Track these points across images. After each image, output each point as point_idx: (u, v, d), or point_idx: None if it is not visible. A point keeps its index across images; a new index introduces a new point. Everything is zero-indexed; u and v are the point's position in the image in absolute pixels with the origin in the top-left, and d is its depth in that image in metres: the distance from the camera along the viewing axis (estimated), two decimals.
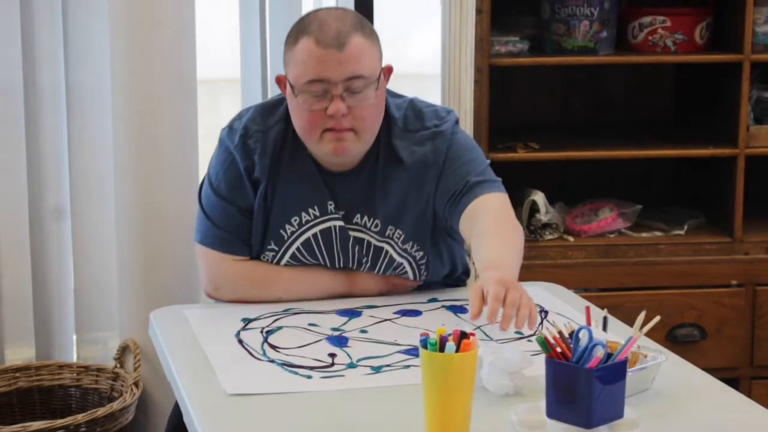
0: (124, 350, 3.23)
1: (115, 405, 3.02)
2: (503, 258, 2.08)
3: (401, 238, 2.32)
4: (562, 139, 3.44)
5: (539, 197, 3.32)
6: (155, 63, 3.10)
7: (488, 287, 1.92)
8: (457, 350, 1.62)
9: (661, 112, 3.73)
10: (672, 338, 3.27)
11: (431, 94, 3.50)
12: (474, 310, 1.91)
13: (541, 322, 2.18)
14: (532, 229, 3.33)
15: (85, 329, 3.32)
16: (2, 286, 3.19)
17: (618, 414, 1.66)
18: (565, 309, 2.28)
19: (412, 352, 2.03)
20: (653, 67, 3.65)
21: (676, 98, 3.71)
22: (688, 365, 1.99)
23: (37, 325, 3.24)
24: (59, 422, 2.91)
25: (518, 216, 3.25)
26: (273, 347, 2.06)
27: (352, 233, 2.32)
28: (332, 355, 2.02)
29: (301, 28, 2.21)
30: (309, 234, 2.32)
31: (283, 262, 2.35)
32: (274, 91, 3.25)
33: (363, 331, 2.16)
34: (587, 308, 1.93)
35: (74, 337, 3.33)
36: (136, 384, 3.14)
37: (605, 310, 1.99)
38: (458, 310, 2.28)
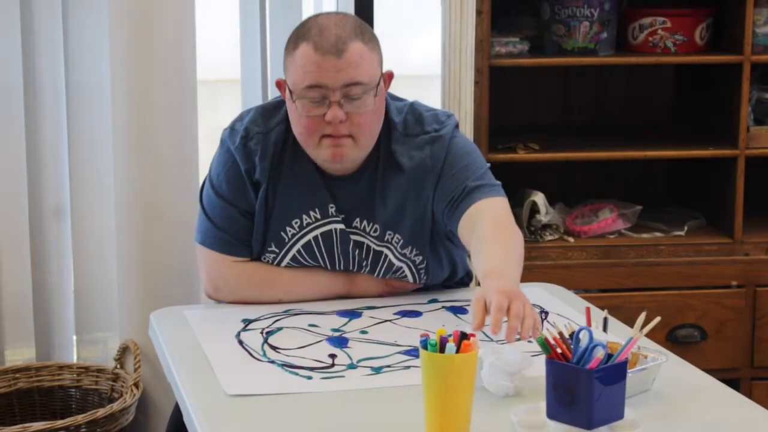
0: (124, 351, 3.23)
1: (115, 406, 3.02)
2: (504, 266, 2.07)
3: (400, 243, 2.32)
4: (562, 140, 3.44)
5: (539, 198, 3.32)
6: (155, 63, 3.10)
7: (491, 298, 1.91)
8: (457, 351, 1.62)
9: (661, 113, 3.73)
10: (672, 339, 3.27)
11: (431, 95, 3.50)
12: (477, 322, 1.90)
13: (542, 323, 2.18)
14: (533, 230, 3.33)
15: (85, 330, 3.32)
16: (2, 286, 3.19)
17: (618, 415, 1.66)
18: (565, 310, 2.28)
19: (413, 352, 2.03)
20: (653, 68, 3.65)
21: (676, 99, 3.71)
22: (689, 366, 1.99)
23: (37, 325, 3.24)
24: (59, 423, 2.91)
25: (518, 217, 3.27)
26: (273, 348, 2.06)
27: (352, 237, 2.32)
28: (332, 356, 2.02)
29: (300, 34, 2.21)
30: (310, 236, 2.32)
31: (284, 264, 2.35)
32: (274, 92, 3.25)
33: (363, 332, 2.16)
34: (587, 309, 1.93)
35: (74, 337, 3.33)
36: (136, 385, 3.14)
37: (605, 310, 1.99)
38: (458, 310, 2.28)
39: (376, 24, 3.35)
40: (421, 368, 1.63)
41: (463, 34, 3.23)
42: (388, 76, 2.28)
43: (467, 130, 3.22)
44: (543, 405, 1.68)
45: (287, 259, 2.34)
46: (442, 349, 1.62)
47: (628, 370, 1.68)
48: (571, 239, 3.34)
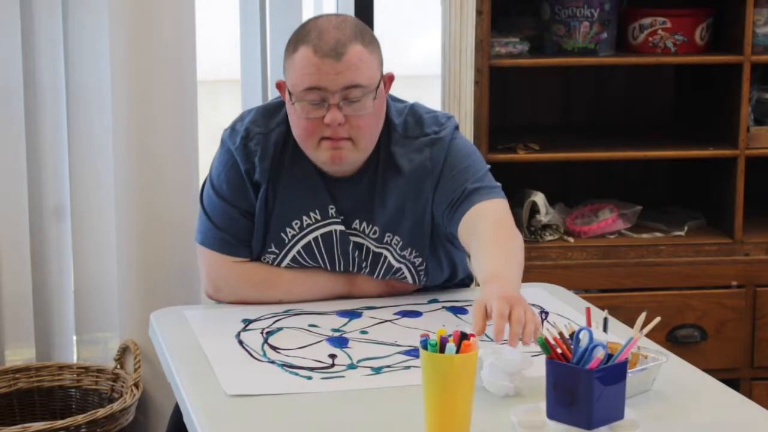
0: (124, 351, 3.23)
1: (115, 406, 3.02)
2: (504, 270, 2.07)
3: (399, 245, 2.32)
4: (562, 140, 3.44)
5: (539, 198, 3.32)
6: (155, 63, 3.10)
7: (491, 304, 1.90)
8: (457, 351, 1.62)
9: (661, 113, 3.73)
10: (672, 339, 3.27)
11: (431, 96, 3.50)
12: (477, 328, 1.90)
13: (542, 323, 2.18)
14: (533, 230, 3.33)
15: (85, 330, 3.32)
16: (2, 286, 3.19)
17: (618, 415, 1.66)
18: (565, 310, 2.28)
19: (413, 353, 2.03)
20: (653, 69, 3.65)
21: (676, 99, 3.71)
22: (689, 366, 1.99)
23: (37, 325, 3.24)
24: (59, 423, 2.91)
25: (518, 217, 3.27)
26: (273, 348, 2.06)
27: (351, 238, 2.32)
28: (332, 356, 2.02)
29: (300, 36, 2.21)
30: (310, 237, 2.32)
31: (284, 264, 2.35)
32: (274, 92, 3.25)
33: (363, 332, 2.15)
34: (587, 309, 1.93)
35: (74, 337, 3.33)
36: (136, 385, 3.14)
37: (605, 311, 1.99)
38: (458, 311, 2.28)
39: (376, 24, 3.35)
40: (421, 368, 1.63)
41: (463, 34, 3.23)
42: (389, 79, 2.28)
43: (467, 130, 3.22)
44: (543, 405, 1.68)
45: (287, 260, 2.34)
46: (442, 350, 1.62)
47: (628, 371, 1.68)
48: (571, 239, 3.34)
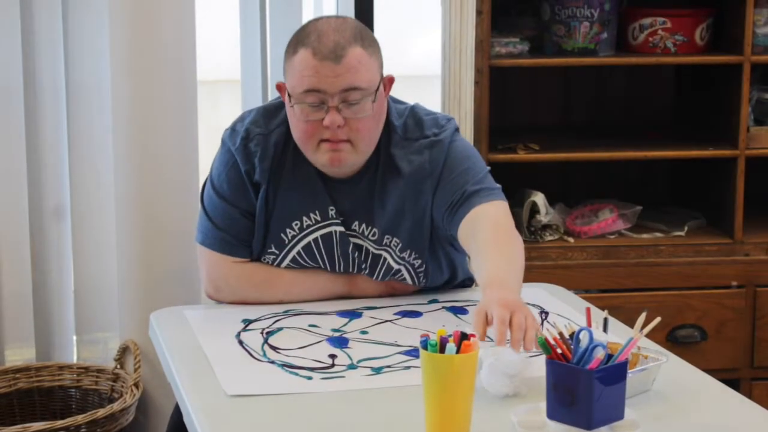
0: (124, 351, 3.23)
1: (116, 406, 3.02)
2: (505, 274, 2.06)
3: (398, 247, 2.32)
4: (562, 141, 3.44)
5: (539, 198, 3.32)
6: (155, 63, 3.10)
7: (492, 311, 1.90)
8: (457, 351, 1.62)
9: (661, 113, 3.73)
10: (672, 339, 3.27)
11: (431, 95, 3.50)
12: (479, 335, 1.90)
13: (542, 323, 2.18)
14: (533, 230, 3.33)
15: (85, 330, 3.32)
16: (2, 286, 3.19)
17: (618, 415, 1.66)
18: (565, 310, 2.28)
19: (413, 353, 2.03)
20: (653, 69, 3.65)
21: (676, 99, 3.71)
22: (689, 366, 1.99)
23: (37, 325, 3.24)
24: (59, 423, 2.91)
25: (518, 217, 3.27)
26: (273, 348, 2.06)
27: (351, 240, 2.32)
28: (332, 356, 2.02)
29: (300, 39, 2.21)
30: (310, 238, 2.32)
31: (284, 265, 2.34)
32: (273, 92, 3.25)
33: (363, 332, 2.15)
34: (588, 309, 1.93)
35: (74, 337, 3.33)
36: (136, 385, 3.14)
37: (606, 311, 1.99)
38: (459, 311, 2.28)
39: (376, 24, 3.35)
40: (421, 368, 1.63)
41: (463, 34, 3.23)
42: (389, 81, 2.28)
43: (467, 130, 3.22)
44: (543, 405, 1.68)
45: (287, 261, 2.34)
46: (442, 350, 1.62)
47: (629, 371, 1.68)
48: (571, 239, 3.34)
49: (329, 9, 3.46)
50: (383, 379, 1.92)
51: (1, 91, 3.12)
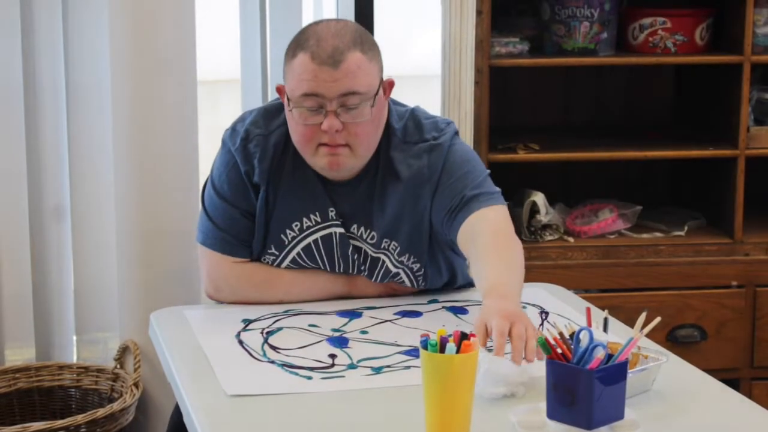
0: (124, 351, 3.23)
1: (115, 406, 3.02)
2: (504, 282, 2.06)
3: (397, 250, 2.32)
4: (562, 140, 3.44)
5: (539, 198, 3.32)
6: (155, 63, 3.10)
7: (492, 322, 1.90)
8: (457, 351, 1.62)
9: (661, 113, 3.73)
10: (672, 339, 3.27)
11: (431, 95, 3.50)
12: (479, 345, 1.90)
13: (542, 323, 2.18)
14: (533, 230, 3.33)
15: (85, 330, 3.32)
16: (2, 286, 3.19)
17: (618, 415, 1.66)
18: (565, 310, 2.28)
19: (413, 352, 2.03)
20: (653, 69, 3.65)
21: (676, 99, 3.71)
22: (689, 366, 1.99)
23: (37, 325, 3.24)
24: (59, 423, 2.91)
25: (518, 217, 3.27)
26: (273, 348, 2.06)
27: (351, 241, 2.32)
28: (332, 356, 2.02)
29: (299, 42, 2.20)
30: (310, 240, 2.32)
31: (283, 266, 2.34)
32: (273, 93, 3.25)
33: (363, 332, 2.16)
34: (588, 309, 1.93)
35: (74, 337, 3.33)
36: (136, 385, 3.14)
37: (606, 311, 1.99)
38: (458, 311, 2.28)
39: (377, 24, 3.35)
40: (422, 368, 1.64)
41: (463, 34, 3.23)
42: (389, 85, 2.27)
43: (467, 130, 3.22)
44: (543, 405, 1.68)
45: (287, 262, 2.34)
46: (442, 349, 1.62)
47: (629, 371, 1.68)
48: (571, 239, 3.34)
49: (329, 8, 3.46)
50: (383, 378, 1.92)
51: (1, 91, 3.12)
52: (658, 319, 1.81)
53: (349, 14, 3.35)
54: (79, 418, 2.93)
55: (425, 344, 1.63)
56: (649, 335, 1.85)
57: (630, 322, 1.97)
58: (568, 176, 3.64)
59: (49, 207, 3.23)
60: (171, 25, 3.10)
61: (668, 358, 1.90)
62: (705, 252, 3.31)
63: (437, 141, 2.30)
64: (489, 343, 1.89)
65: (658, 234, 3.39)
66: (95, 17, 3.15)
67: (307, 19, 3.35)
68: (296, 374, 1.94)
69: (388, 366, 1.98)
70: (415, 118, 2.33)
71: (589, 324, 1.88)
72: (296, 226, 2.31)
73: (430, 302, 2.34)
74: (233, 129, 2.34)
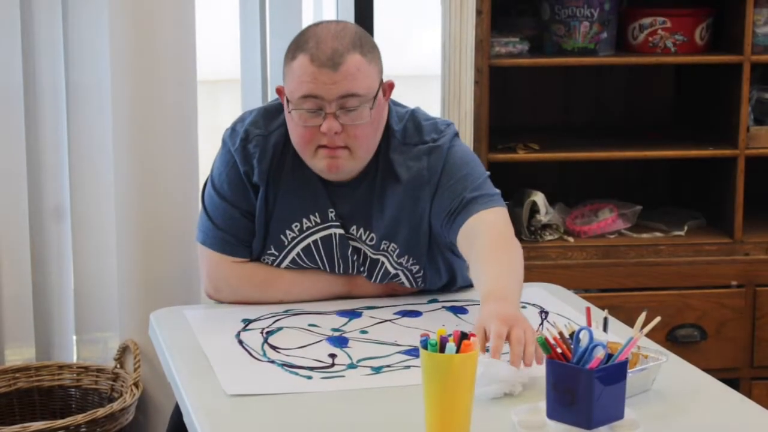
0: (124, 351, 3.23)
1: (115, 405, 3.02)
2: (503, 286, 2.05)
3: (396, 252, 2.31)
4: (562, 140, 3.44)
5: (539, 198, 3.32)
6: (155, 63, 3.10)
7: (490, 326, 1.90)
8: (457, 351, 1.62)
9: (661, 113, 3.73)
10: (672, 339, 3.27)
11: (431, 95, 3.51)
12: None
13: (542, 323, 2.18)
14: (532, 230, 3.33)
15: (85, 329, 3.32)
16: (2, 286, 3.19)
17: (618, 415, 1.66)
18: (565, 309, 2.28)
19: (413, 352, 2.03)
20: (653, 68, 3.65)
21: (676, 99, 3.71)
22: (689, 366, 1.99)
23: (37, 325, 3.24)
24: (59, 423, 2.91)
25: (518, 217, 3.27)
26: (273, 348, 2.06)
27: (350, 242, 2.32)
28: (332, 356, 2.02)
29: (299, 44, 2.20)
30: (309, 240, 2.32)
31: (283, 266, 2.34)
32: (273, 92, 3.25)
33: (363, 332, 2.16)
34: (587, 309, 1.93)
35: (74, 337, 3.33)
36: (136, 384, 3.14)
37: (606, 310, 1.99)
38: (458, 310, 2.28)
39: (376, 24, 3.35)
40: (421, 368, 1.64)
41: (463, 34, 3.23)
42: (389, 86, 2.27)
43: (467, 130, 3.22)
44: (543, 405, 1.68)
45: (286, 262, 2.34)
46: (442, 349, 1.62)
47: (628, 370, 1.69)
48: (571, 239, 3.34)
49: (329, 8, 3.46)
50: (383, 378, 1.92)
51: (1, 91, 3.12)
52: (657, 319, 1.81)
53: (349, 14, 3.34)
54: (79, 418, 2.93)
55: (425, 344, 1.63)
56: (648, 335, 1.85)
57: (630, 322, 1.97)
58: (568, 176, 3.64)
59: (49, 207, 3.23)
60: (171, 25, 3.10)
61: (668, 357, 1.90)
62: (705, 252, 3.31)
63: (437, 143, 2.29)
64: (488, 347, 1.89)
65: (658, 234, 3.39)
66: (95, 17, 3.15)
67: (306, 19, 3.35)
68: (296, 374, 1.94)
69: (388, 366, 1.98)
70: (414, 119, 2.33)
71: (589, 324, 1.88)
72: (296, 226, 2.31)
73: (429, 302, 2.34)
74: (233, 129, 2.34)
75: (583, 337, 1.67)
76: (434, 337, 1.63)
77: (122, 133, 3.12)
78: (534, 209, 3.33)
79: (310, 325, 2.19)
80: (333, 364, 1.98)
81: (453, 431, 1.63)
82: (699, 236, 3.38)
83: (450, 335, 1.64)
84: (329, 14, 3.46)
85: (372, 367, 1.97)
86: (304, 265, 2.34)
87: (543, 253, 3.27)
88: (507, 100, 3.61)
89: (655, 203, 3.60)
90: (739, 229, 3.30)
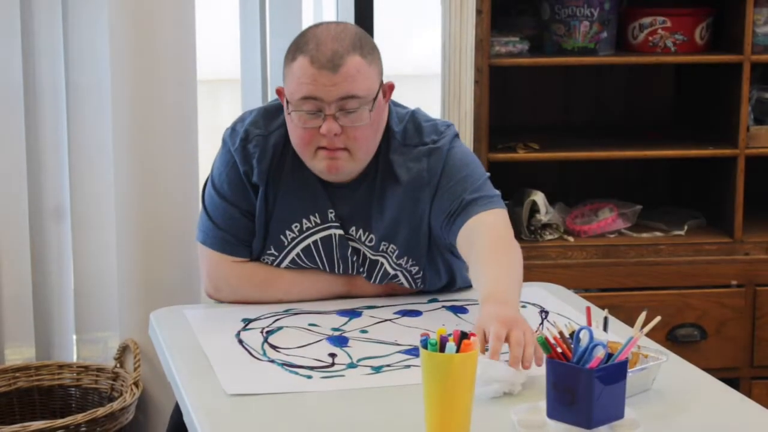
0: (124, 350, 3.23)
1: (115, 405, 3.02)
2: (503, 288, 2.05)
3: (395, 253, 2.31)
4: (562, 140, 3.44)
5: (539, 197, 3.32)
6: (155, 63, 3.10)
7: (489, 328, 1.90)
8: (457, 350, 1.62)
9: (661, 112, 3.73)
10: (672, 338, 3.27)
11: (431, 95, 3.51)
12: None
13: (542, 323, 2.18)
14: (532, 230, 3.33)
15: (85, 329, 3.32)
16: (2, 286, 3.19)
17: (618, 414, 1.66)
18: (565, 309, 2.28)
19: (413, 352, 2.03)
20: (653, 68, 3.65)
21: (676, 99, 3.71)
22: (689, 365, 1.99)
23: (37, 325, 3.25)
24: (59, 422, 2.91)
25: (518, 217, 3.27)
26: (273, 347, 2.06)
27: (350, 243, 2.32)
28: (332, 355, 2.02)
29: (299, 46, 2.20)
30: (309, 241, 2.32)
31: (283, 266, 2.34)
32: (273, 92, 3.24)
33: (363, 331, 2.16)
34: (588, 308, 1.93)
35: (74, 337, 3.34)
36: (136, 384, 3.14)
37: (606, 310, 1.99)
38: (458, 310, 2.28)
39: (376, 24, 3.35)
40: (421, 368, 1.64)
41: (463, 34, 3.23)
42: (389, 88, 2.26)
43: (467, 130, 3.22)
44: (543, 404, 1.68)
45: (286, 262, 2.34)
46: (442, 349, 1.62)
47: (629, 370, 1.69)
48: (571, 239, 3.34)
49: (329, 8, 3.46)
50: (383, 378, 1.92)
51: (1, 91, 3.12)
52: (658, 319, 1.81)
53: (349, 14, 3.34)
54: (79, 417, 2.93)
55: (425, 343, 1.63)
56: (649, 334, 1.85)
57: (630, 322, 1.97)
58: (568, 176, 3.64)
59: (49, 207, 3.23)
60: (171, 25, 3.10)
61: (668, 357, 1.90)
62: (705, 251, 3.32)
63: (436, 144, 2.29)
64: (487, 348, 1.89)
65: (658, 233, 3.39)
66: (95, 17, 3.15)
67: (306, 19, 3.35)
68: (296, 373, 1.94)
69: (388, 365, 1.98)
70: (414, 120, 2.32)
71: (589, 323, 1.88)
72: (296, 227, 2.31)
73: (430, 301, 2.34)
74: (233, 129, 2.34)
75: (583, 336, 1.67)
76: (434, 337, 1.63)
77: (122, 133, 3.12)
78: (534, 209, 3.33)
79: (310, 324, 2.19)
80: (333, 364, 1.98)
81: (453, 431, 1.63)
82: (699, 236, 3.38)
83: (450, 335, 1.64)
84: (329, 14, 3.46)
85: (372, 367, 1.97)
86: (303, 265, 2.34)
87: (543, 253, 3.27)
88: (507, 99, 3.61)
89: (655, 203, 3.60)
90: (739, 228, 3.30)
